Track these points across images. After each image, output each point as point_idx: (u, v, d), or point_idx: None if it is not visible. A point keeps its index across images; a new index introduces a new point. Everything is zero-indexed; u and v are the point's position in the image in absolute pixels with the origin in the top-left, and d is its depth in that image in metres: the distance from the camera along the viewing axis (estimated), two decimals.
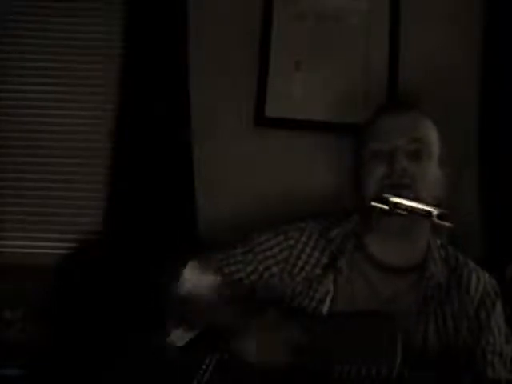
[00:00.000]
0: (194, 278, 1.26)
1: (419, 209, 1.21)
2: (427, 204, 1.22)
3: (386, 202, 1.23)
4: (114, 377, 1.51)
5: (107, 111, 1.85)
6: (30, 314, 1.74)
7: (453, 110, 1.83)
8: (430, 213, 1.20)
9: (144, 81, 1.80)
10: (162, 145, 1.79)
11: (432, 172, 1.30)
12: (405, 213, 1.22)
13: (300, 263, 1.35)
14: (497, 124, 1.80)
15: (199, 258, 1.35)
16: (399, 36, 1.86)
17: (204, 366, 1.19)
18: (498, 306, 1.31)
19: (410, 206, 1.22)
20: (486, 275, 1.34)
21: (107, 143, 1.83)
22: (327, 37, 1.87)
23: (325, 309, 1.28)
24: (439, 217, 1.20)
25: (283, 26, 1.87)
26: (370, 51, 1.86)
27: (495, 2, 1.84)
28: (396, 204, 1.22)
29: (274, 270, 1.36)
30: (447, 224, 1.20)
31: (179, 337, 1.21)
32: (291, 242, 1.37)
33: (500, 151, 1.79)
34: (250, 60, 1.87)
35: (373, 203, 1.25)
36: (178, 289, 1.26)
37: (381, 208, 1.24)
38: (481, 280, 1.32)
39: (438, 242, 1.36)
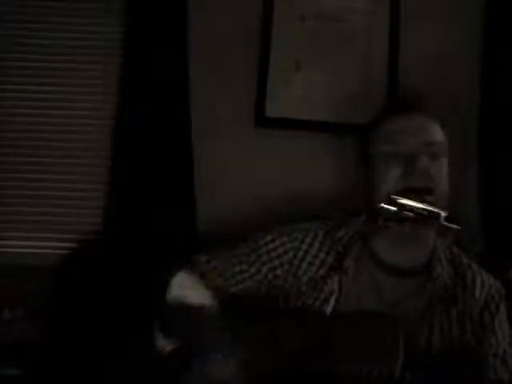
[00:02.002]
0: (183, 289, 1.24)
1: (428, 211, 1.20)
2: (436, 206, 1.21)
3: (394, 203, 1.22)
4: (114, 377, 1.51)
5: (107, 111, 1.85)
6: (30, 313, 1.74)
7: (453, 110, 1.83)
8: (438, 215, 1.19)
9: (144, 81, 1.80)
10: (162, 145, 1.79)
11: (445, 172, 1.29)
12: (411, 214, 1.20)
13: (305, 264, 1.34)
14: (497, 124, 1.80)
15: (190, 267, 1.33)
16: (399, 36, 1.86)
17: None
18: (502, 309, 1.31)
19: (418, 208, 1.20)
20: (491, 278, 1.34)
21: (107, 143, 1.83)
22: (327, 37, 1.87)
23: (329, 309, 1.28)
24: (447, 219, 1.19)
25: (283, 26, 1.87)
26: (370, 51, 1.86)
27: (495, 2, 1.84)
28: (404, 206, 1.21)
29: (279, 271, 1.35)
30: (455, 226, 1.18)
31: (165, 344, 1.20)
32: (296, 243, 1.36)
33: (500, 151, 1.79)
34: (250, 60, 1.87)
35: (381, 205, 1.23)
36: (166, 298, 1.24)
37: (388, 212, 1.21)
38: (485, 283, 1.32)
39: (444, 243, 1.36)
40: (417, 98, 1.79)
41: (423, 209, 1.20)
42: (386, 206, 1.22)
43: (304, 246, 1.35)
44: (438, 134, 1.33)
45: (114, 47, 1.87)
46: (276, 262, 1.35)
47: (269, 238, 1.37)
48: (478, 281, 1.31)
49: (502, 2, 1.83)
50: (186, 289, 1.23)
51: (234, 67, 1.88)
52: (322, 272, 1.32)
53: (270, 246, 1.36)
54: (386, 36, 1.86)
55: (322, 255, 1.34)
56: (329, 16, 1.87)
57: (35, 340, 1.70)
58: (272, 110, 1.85)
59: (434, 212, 1.19)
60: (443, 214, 1.19)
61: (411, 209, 1.20)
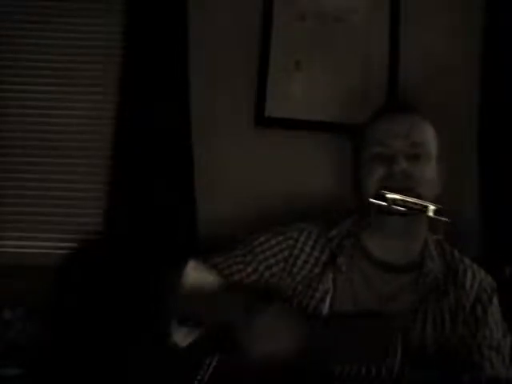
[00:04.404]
0: (196, 276, 1.26)
1: (416, 204, 1.23)
2: (424, 200, 1.24)
3: (384, 198, 1.24)
4: (114, 376, 1.51)
5: (107, 111, 1.85)
6: (30, 313, 1.74)
7: (453, 110, 1.83)
8: (426, 208, 1.22)
9: (144, 81, 1.80)
10: (162, 145, 1.79)
11: (430, 171, 1.31)
12: (402, 209, 1.23)
13: (299, 262, 1.35)
14: (497, 124, 1.80)
15: (199, 258, 1.36)
16: (399, 36, 1.86)
17: (205, 366, 1.19)
18: (495, 302, 1.31)
19: (407, 202, 1.23)
20: (482, 272, 1.35)
21: (107, 143, 1.83)
22: (327, 37, 1.87)
23: (325, 307, 1.29)
24: (436, 212, 1.22)
25: (283, 26, 1.87)
26: (370, 51, 1.86)
27: (495, 1, 1.84)
28: (393, 200, 1.23)
29: (275, 269, 1.36)
30: (443, 219, 1.21)
31: (183, 337, 1.21)
32: (291, 241, 1.38)
33: (500, 151, 1.79)
34: (249, 60, 1.87)
35: (371, 200, 1.26)
36: (180, 287, 1.26)
37: (379, 205, 1.25)
38: (476, 276, 1.33)
39: (435, 237, 1.37)
40: (415, 96, 1.79)
41: (412, 202, 1.23)
42: (375, 200, 1.25)
43: (299, 245, 1.37)
44: (423, 134, 1.33)
45: (114, 47, 1.87)
46: (272, 261, 1.36)
47: (263, 237, 1.39)
48: (469, 274, 1.33)
49: (502, 2, 1.83)
50: (200, 274, 1.26)
51: (234, 67, 1.88)
52: (316, 270, 1.34)
53: (266, 245, 1.38)
54: (386, 36, 1.86)
55: (316, 253, 1.36)
56: (329, 16, 1.87)
57: (35, 340, 1.70)
58: (272, 110, 1.85)
59: (422, 205, 1.23)
60: (432, 206, 1.22)
61: (400, 203, 1.23)
